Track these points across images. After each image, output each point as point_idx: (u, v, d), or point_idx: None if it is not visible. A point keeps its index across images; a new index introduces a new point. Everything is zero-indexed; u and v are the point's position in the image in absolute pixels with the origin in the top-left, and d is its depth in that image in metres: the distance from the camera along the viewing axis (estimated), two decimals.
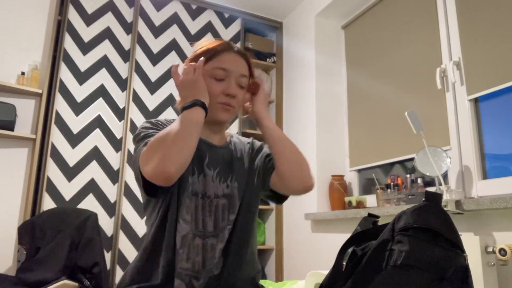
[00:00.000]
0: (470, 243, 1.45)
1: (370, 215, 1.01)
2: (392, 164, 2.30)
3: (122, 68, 2.64)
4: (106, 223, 2.39)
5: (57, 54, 2.49)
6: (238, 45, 3.02)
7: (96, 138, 2.47)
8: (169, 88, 2.73)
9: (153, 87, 2.69)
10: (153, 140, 0.91)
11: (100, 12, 2.64)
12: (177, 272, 0.95)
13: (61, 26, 2.54)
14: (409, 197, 1.84)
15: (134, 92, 2.62)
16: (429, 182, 1.97)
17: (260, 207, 2.75)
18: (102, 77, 2.56)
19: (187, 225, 0.98)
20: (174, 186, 0.97)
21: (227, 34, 3.01)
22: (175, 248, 0.97)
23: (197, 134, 0.92)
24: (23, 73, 2.38)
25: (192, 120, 0.92)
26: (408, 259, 0.77)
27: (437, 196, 0.86)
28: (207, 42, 1.10)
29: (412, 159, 2.03)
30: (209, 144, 1.08)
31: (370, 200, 2.32)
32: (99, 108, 2.51)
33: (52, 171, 2.33)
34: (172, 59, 2.78)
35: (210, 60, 1.05)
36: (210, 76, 1.04)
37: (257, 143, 1.19)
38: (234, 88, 1.04)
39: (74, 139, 2.42)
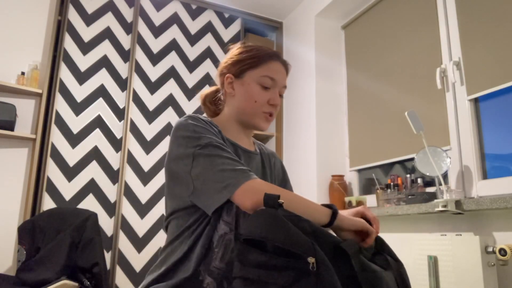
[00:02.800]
0: (470, 243, 1.45)
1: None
2: (392, 164, 2.30)
3: (122, 68, 2.64)
4: (106, 223, 2.39)
5: (57, 54, 2.49)
6: (238, 45, 3.01)
7: (96, 138, 2.47)
8: (169, 88, 2.74)
9: (153, 87, 2.69)
10: (278, 190, 0.88)
11: (100, 12, 2.64)
12: (211, 269, 0.93)
13: (61, 26, 2.54)
14: (409, 197, 1.84)
15: (134, 92, 2.62)
16: (429, 182, 1.97)
17: None
18: (102, 77, 2.56)
19: (227, 225, 0.95)
20: None
21: (227, 34, 3.01)
22: (210, 246, 0.94)
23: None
24: (23, 73, 2.38)
25: (317, 217, 0.86)
26: (236, 271, 0.76)
27: (274, 198, 0.79)
28: (253, 46, 1.11)
29: (412, 159, 2.03)
30: (244, 149, 1.09)
31: (370, 200, 2.32)
32: (99, 108, 2.51)
33: (52, 171, 2.33)
34: (172, 59, 2.78)
35: (258, 67, 1.06)
36: (257, 83, 1.05)
37: (279, 163, 1.23)
38: (278, 98, 1.07)
39: (74, 139, 2.42)
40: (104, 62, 2.59)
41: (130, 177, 2.49)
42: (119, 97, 2.59)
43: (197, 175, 0.93)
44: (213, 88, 1.19)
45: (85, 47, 2.55)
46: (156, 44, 2.76)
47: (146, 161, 2.55)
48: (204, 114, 1.15)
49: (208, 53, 2.91)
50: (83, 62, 2.53)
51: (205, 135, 0.95)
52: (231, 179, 0.88)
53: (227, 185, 0.88)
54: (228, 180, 0.89)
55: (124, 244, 2.39)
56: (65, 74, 2.46)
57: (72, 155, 2.39)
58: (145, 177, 2.53)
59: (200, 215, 0.96)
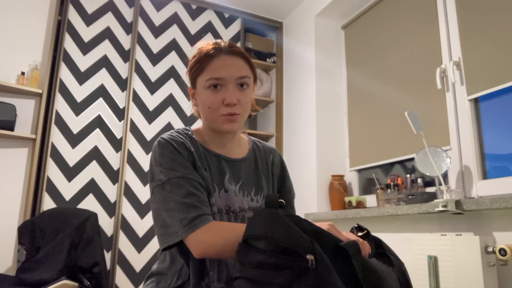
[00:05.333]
0: (470, 243, 1.45)
1: (358, 226, 0.98)
2: (392, 164, 2.30)
3: (122, 68, 2.64)
4: (106, 223, 2.39)
5: (57, 54, 2.49)
6: (238, 45, 3.01)
7: (96, 138, 2.47)
8: (169, 88, 2.74)
9: (153, 87, 2.69)
10: (224, 234, 0.85)
11: (100, 12, 2.64)
12: None
13: (61, 26, 2.54)
14: (409, 197, 1.84)
15: (134, 92, 2.62)
16: (429, 182, 1.97)
17: None
18: (102, 77, 2.56)
19: None
20: None
21: (227, 34, 3.01)
22: (205, 270, 0.94)
23: None
24: (23, 73, 2.38)
25: None
26: (236, 272, 0.76)
27: (274, 199, 0.79)
28: (197, 50, 1.02)
29: (412, 159, 2.03)
30: (228, 159, 1.04)
31: (370, 200, 2.32)
32: (99, 108, 2.51)
33: (52, 171, 2.33)
34: (172, 59, 2.78)
35: (202, 72, 0.98)
36: (206, 88, 0.97)
37: (278, 159, 1.16)
38: (233, 95, 0.95)
39: (74, 139, 2.42)
40: (104, 62, 2.59)
41: (130, 177, 2.49)
42: (119, 97, 2.59)
43: (152, 210, 0.94)
44: None
45: (85, 47, 2.55)
46: (156, 44, 2.76)
47: (146, 161, 2.55)
48: (194, 126, 1.11)
49: None
50: (83, 62, 2.53)
51: (166, 170, 0.93)
52: (174, 229, 0.87)
53: (170, 233, 0.88)
54: (172, 228, 0.88)
55: (124, 244, 2.39)
56: (65, 74, 2.46)
57: (72, 155, 2.39)
58: (145, 177, 2.53)
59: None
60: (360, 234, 0.92)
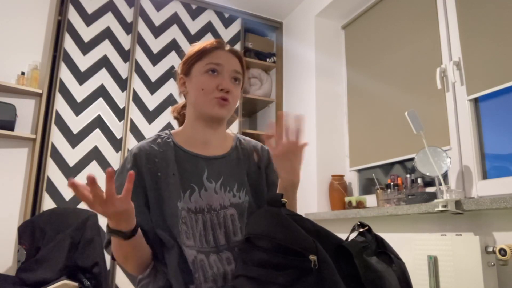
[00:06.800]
0: (470, 243, 1.45)
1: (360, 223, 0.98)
2: (392, 164, 2.30)
3: (122, 68, 2.64)
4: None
5: (57, 54, 2.49)
6: (238, 45, 3.03)
7: (96, 138, 2.47)
8: (169, 88, 2.74)
9: (153, 87, 2.69)
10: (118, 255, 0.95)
11: (100, 12, 2.64)
12: None
13: (61, 26, 2.54)
14: (409, 197, 1.84)
15: (134, 92, 2.62)
16: (429, 182, 1.97)
17: None
18: (102, 77, 2.56)
19: (192, 249, 0.95)
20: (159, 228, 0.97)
21: (227, 34, 3.01)
22: (190, 274, 0.93)
23: (136, 251, 0.92)
24: (23, 73, 2.38)
25: (122, 247, 0.91)
26: (239, 270, 0.77)
27: (277, 198, 0.79)
28: (198, 43, 1.10)
29: (412, 159, 2.03)
30: (206, 157, 1.05)
31: (370, 200, 2.32)
32: (99, 108, 2.51)
33: (52, 171, 2.33)
34: (172, 59, 2.78)
35: (202, 59, 1.05)
36: (203, 72, 1.04)
37: (266, 152, 1.16)
38: (228, 82, 1.03)
39: (74, 139, 2.42)
40: (104, 62, 2.59)
41: None
42: (119, 97, 2.59)
43: None
44: (181, 102, 1.19)
45: (85, 47, 2.55)
46: (156, 44, 2.76)
47: None
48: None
49: None
50: (83, 62, 2.53)
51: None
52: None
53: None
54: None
55: None
56: (65, 74, 2.46)
57: (72, 155, 2.39)
58: None
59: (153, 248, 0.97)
60: (361, 229, 0.92)
